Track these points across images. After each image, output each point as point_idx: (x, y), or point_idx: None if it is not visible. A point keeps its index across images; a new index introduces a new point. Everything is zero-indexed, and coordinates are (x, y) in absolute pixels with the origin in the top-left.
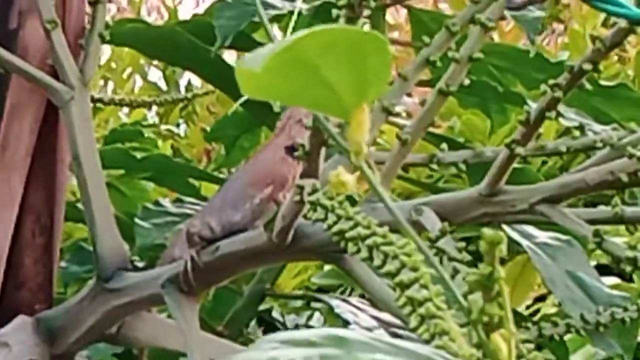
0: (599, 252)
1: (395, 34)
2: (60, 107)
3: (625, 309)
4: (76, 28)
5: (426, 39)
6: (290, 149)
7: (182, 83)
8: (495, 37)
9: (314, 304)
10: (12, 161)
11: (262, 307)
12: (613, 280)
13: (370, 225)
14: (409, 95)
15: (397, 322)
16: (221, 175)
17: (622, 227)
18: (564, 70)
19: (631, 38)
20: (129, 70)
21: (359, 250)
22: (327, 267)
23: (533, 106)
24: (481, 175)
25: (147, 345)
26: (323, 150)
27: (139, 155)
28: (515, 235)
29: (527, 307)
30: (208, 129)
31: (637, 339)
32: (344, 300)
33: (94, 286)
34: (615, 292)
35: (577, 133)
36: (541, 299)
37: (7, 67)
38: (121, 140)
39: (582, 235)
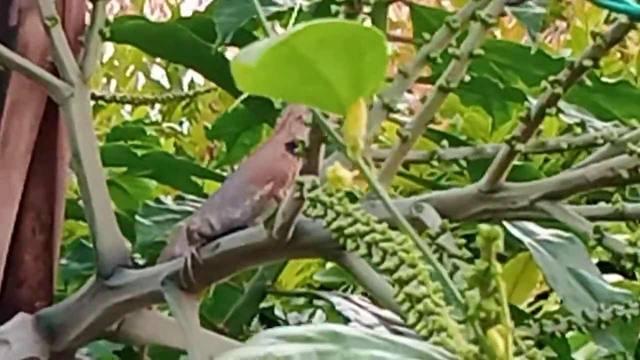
0: (600, 249)
1: (397, 32)
2: (60, 104)
3: (627, 306)
4: (76, 25)
5: (427, 35)
6: (291, 146)
7: (185, 81)
8: (498, 34)
9: (316, 302)
10: (12, 158)
11: (264, 305)
12: (615, 277)
13: (369, 221)
14: (410, 92)
15: (398, 319)
16: (223, 173)
17: (624, 225)
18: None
19: (634, 35)
20: (131, 68)
21: (357, 247)
22: (329, 265)
23: (534, 103)
24: (482, 172)
25: (147, 342)
26: (323, 147)
27: (140, 152)
28: (517, 233)
29: (529, 305)
30: (210, 126)
31: (639, 336)
32: (345, 298)
33: (94, 283)
34: (616, 289)
35: (578, 130)
36: (543, 296)
37: (7, 64)
38: (123, 138)
39: (582, 232)
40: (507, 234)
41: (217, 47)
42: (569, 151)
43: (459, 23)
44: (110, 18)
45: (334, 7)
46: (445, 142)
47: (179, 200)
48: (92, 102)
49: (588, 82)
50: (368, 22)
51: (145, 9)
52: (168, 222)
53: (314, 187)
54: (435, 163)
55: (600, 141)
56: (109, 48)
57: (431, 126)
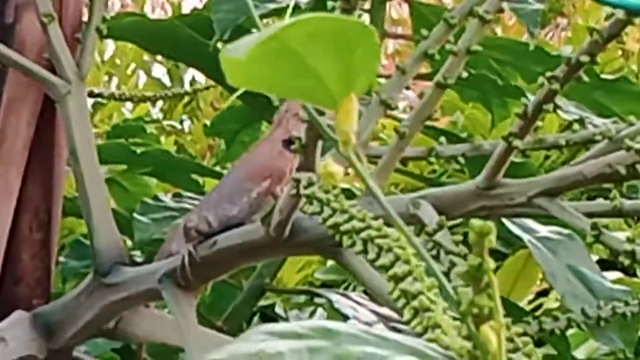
0: (601, 246)
1: (399, 29)
2: (57, 101)
3: (627, 303)
4: (73, 22)
5: (425, 32)
6: (288, 143)
7: (187, 79)
8: (498, 31)
9: (317, 300)
10: (10, 155)
11: (265, 303)
12: (616, 275)
13: (365, 218)
14: (407, 88)
15: (397, 316)
16: (224, 171)
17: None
18: None
19: (635, 33)
20: (132, 66)
21: (353, 244)
22: (330, 262)
23: (532, 99)
24: (481, 169)
25: (145, 340)
26: (320, 143)
27: (138, 150)
28: (516, 230)
29: (530, 302)
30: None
31: (639, 333)
32: (344, 295)
33: (91, 281)
34: (616, 286)
35: (578, 127)
36: (544, 293)
37: (4, 61)
38: (123, 136)
39: (580, 229)
40: (507, 231)
41: (215, 43)
42: (570, 148)
43: (456, 19)
44: (109, 16)
45: (330, 3)
46: (443, 139)
47: (176, 198)
48: (92, 100)
49: (585, 78)
50: (366, 19)
51: (146, 7)
52: (166, 220)
53: (310, 184)
54: (436, 161)
55: (599, 138)
56: (110, 46)
57: (431, 123)
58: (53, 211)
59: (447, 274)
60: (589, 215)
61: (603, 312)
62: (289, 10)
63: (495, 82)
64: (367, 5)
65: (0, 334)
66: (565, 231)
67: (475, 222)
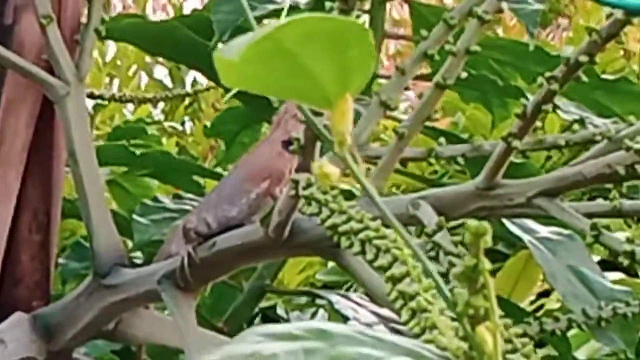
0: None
1: (400, 30)
2: (56, 103)
3: (627, 304)
4: (72, 23)
5: (424, 32)
6: (287, 144)
7: (188, 80)
8: (500, 31)
9: (318, 301)
10: (9, 157)
11: (266, 304)
12: (617, 275)
13: (363, 219)
14: (407, 89)
15: (397, 317)
16: (224, 172)
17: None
18: None
19: (636, 34)
20: (134, 67)
21: (351, 245)
22: (331, 264)
23: (532, 99)
24: (481, 170)
25: (144, 341)
26: (319, 144)
27: (138, 151)
28: (516, 230)
29: (531, 303)
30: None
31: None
32: (344, 296)
33: (90, 282)
34: (617, 286)
35: (577, 127)
36: (546, 294)
37: (2, 63)
38: (125, 137)
39: (579, 229)
40: (508, 232)
41: (214, 44)
42: (572, 149)
43: (456, 20)
44: (108, 17)
45: (327, 4)
46: (442, 140)
47: (176, 199)
48: (93, 102)
49: (584, 78)
50: (365, 19)
51: (148, 9)
52: (165, 221)
53: (308, 184)
54: (438, 162)
55: (599, 138)
56: (112, 48)
57: (432, 124)
58: (52, 212)
59: (446, 275)
60: (589, 215)
61: (604, 313)
62: (285, 11)
63: (495, 83)
64: (367, 6)
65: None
66: (566, 232)
67: (471, 223)
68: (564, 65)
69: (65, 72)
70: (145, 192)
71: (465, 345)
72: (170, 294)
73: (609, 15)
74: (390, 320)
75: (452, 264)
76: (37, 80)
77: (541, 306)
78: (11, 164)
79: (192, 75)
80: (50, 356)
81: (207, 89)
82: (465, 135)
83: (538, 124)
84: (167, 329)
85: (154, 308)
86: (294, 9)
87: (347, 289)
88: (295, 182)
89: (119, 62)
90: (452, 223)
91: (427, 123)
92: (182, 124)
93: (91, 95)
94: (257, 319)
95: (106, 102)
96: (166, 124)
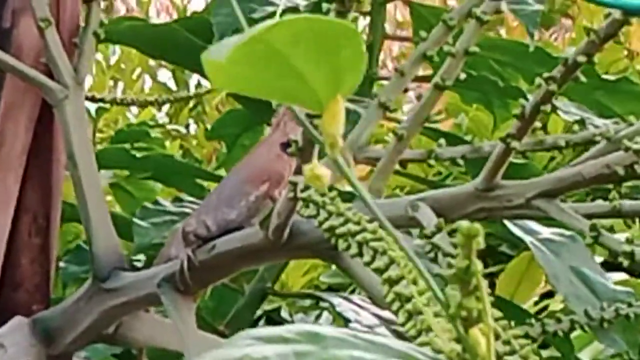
0: None
1: (404, 32)
2: (55, 106)
3: (630, 305)
4: (70, 26)
5: (424, 33)
6: (286, 146)
7: (192, 83)
8: (503, 32)
9: (323, 303)
10: (8, 160)
11: (270, 307)
12: (621, 276)
13: (360, 221)
14: (406, 90)
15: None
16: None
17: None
18: None
19: None
20: (138, 70)
21: (349, 247)
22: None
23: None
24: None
25: (144, 345)
26: (317, 146)
27: (139, 154)
28: (518, 232)
29: (535, 304)
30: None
31: None
32: (346, 299)
33: (90, 286)
34: (619, 287)
35: (581, 128)
36: (550, 295)
37: (1, 67)
38: (128, 141)
39: (579, 230)
40: (511, 233)
41: None
42: (575, 150)
43: (455, 21)
44: (107, 20)
45: (325, 5)
46: (442, 141)
47: (177, 202)
48: (96, 105)
49: (583, 79)
50: (367, 21)
51: (151, 11)
52: (166, 224)
53: (307, 187)
54: (441, 163)
55: (599, 139)
56: (116, 51)
57: (433, 125)
58: (52, 216)
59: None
60: (589, 216)
61: (606, 314)
62: (279, 12)
63: (496, 84)
64: (367, 8)
65: None
66: (568, 233)
67: (463, 224)
68: (562, 66)
69: (64, 76)
70: (148, 195)
71: (458, 347)
72: (170, 297)
73: (607, 16)
74: (391, 323)
75: (451, 266)
76: (36, 84)
77: (545, 307)
78: (10, 167)
79: (195, 78)
80: None
81: (209, 91)
82: (468, 137)
83: (539, 124)
84: (168, 332)
85: (154, 311)
86: (293, 10)
87: (352, 292)
88: (294, 185)
89: (123, 66)
90: (450, 225)
91: (429, 124)
92: (187, 126)
93: (92, 99)
94: (262, 322)
95: (109, 106)
96: (169, 127)
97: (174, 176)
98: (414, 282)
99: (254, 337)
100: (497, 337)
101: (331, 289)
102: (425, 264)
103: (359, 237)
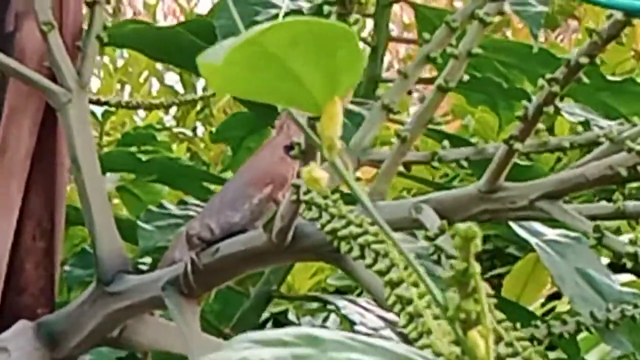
0: None
1: (410, 34)
2: (58, 110)
3: (636, 306)
4: (73, 30)
5: (427, 35)
6: (289, 148)
7: (199, 86)
8: (509, 34)
9: (330, 306)
10: (12, 165)
11: (277, 310)
12: (628, 277)
13: (362, 223)
14: (410, 93)
15: None
16: None
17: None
18: None
19: None
20: (145, 74)
21: (351, 249)
22: None
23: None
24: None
25: (149, 348)
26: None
27: (144, 157)
28: (524, 233)
29: (542, 305)
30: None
31: None
32: (351, 301)
33: (94, 289)
34: (625, 289)
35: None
36: (557, 296)
37: (4, 70)
38: (134, 144)
39: (582, 231)
40: (516, 234)
41: None
42: (581, 151)
43: (458, 23)
44: (110, 23)
45: (326, 8)
46: (446, 143)
47: (181, 205)
48: (103, 108)
49: (585, 80)
50: (370, 23)
51: (158, 15)
52: (170, 227)
53: (309, 189)
54: (448, 165)
55: (603, 140)
56: (123, 54)
57: (441, 127)
58: (56, 220)
59: None
60: (592, 218)
61: (612, 315)
62: (281, 15)
63: (500, 85)
64: (371, 10)
65: (3, 344)
66: (573, 234)
67: (461, 226)
68: (565, 67)
69: (67, 79)
70: (155, 198)
71: (458, 349)
72: (174, 300)
73: (609, 17)
74: (396, 325)
75: (452, 268)
76: (39, 88)
77: (552, 309)
78: (14, 172)
79: (203, 81)
80: None
81: (213, 95)
82: (474, 139)
83: (543, 126)
84: (172, 335)
85: (159, 315)
86: (296, 13)
87: (359, 294)
88: (297, 187)
89: (130, 69)
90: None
91: (434, 126)
92: (194, 129)
93: (97, 102)
94: (269, 324)
95: (115, 109)
96: (176, 130)
97: (180, 179)
98: (415, 285)
99: (252, 340)
100: (500, 339)
101: (338, 291)
102: (429, 266)
103: (360, 240)
